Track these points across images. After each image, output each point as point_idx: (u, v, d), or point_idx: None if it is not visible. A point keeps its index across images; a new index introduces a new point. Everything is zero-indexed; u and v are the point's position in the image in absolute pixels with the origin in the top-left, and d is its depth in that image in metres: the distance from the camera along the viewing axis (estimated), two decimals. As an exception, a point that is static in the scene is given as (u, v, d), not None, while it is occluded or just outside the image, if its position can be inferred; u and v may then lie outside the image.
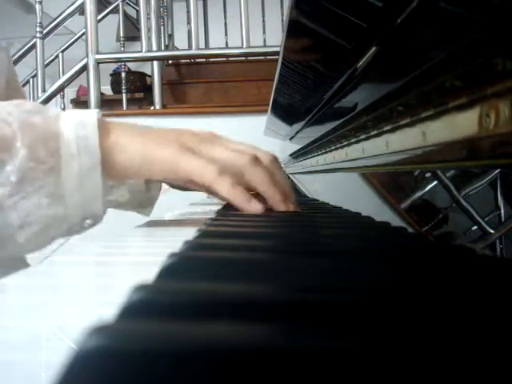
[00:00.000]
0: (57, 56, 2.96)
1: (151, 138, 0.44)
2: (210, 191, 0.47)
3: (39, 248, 0.43)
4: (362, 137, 0.43)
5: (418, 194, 0.53)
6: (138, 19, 2.82)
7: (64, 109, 2.89)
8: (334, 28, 0.34)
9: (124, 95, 2.33)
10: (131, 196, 0.53)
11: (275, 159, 0.50)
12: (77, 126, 0.40)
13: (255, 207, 0.44)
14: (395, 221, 0.48)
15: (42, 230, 0.40)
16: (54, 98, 2.33)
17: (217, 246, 0.28)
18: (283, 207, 0.47)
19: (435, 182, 0.48)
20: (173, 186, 0.58)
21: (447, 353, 0.11)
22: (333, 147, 0.58)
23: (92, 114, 0.42)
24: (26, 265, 0.68)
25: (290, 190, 0.50)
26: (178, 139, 0.44)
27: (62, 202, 0.40)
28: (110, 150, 0.42)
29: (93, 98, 1.90)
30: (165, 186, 0.61)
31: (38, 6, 2.22)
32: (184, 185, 0.51)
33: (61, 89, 2.27)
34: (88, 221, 0.43)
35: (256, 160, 0.46)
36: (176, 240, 0.36)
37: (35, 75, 2.47)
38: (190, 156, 0.43)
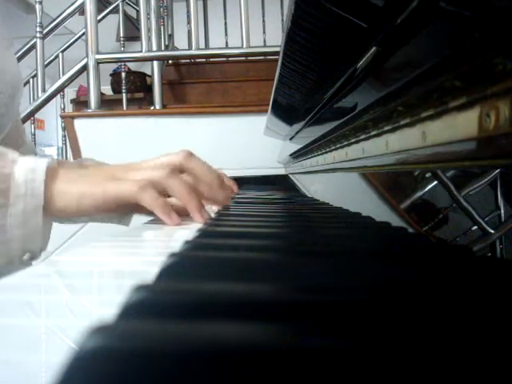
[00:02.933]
0: (57, 56, 2.96)
1: (86, 180, 0.51)
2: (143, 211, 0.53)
3: None
4: (362, 137, 0.43)
5: (418, 194, 0.52)
6: (138, 19, 2.81)
7: (64, 109, 2.89)
8: (334, 28, 0.34)
9: (124, 95, 2.32)
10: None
11: (190, 155, 0.55)
12: (27, 170, 0.47)
13: (174, 221, 0.49)
14: (395, 221, 0.48)
15: None
16: (54, 98, 2.33)
17: (217, 246, 0.28)
18: (198, 218, 0.51)
19: (435, 182, 0.48)
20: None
21: (447, 353, 0.11)
22: (333, 147, 0.58)
23: (43, 162, 0.48)
24: (28, 264, 0.69)
25: (213, 188, 0.56)
26: (108, 174, 0.51)
27: (5, 234, 0.46)
28: (52, 195, 0.48)
29: (93, 97, 1.89)
30: None
31: (38, 6, 2.21)
32: (123, 212, 0.58)
33: (61, 89, 2.27)
34: (26, 256, 0.49)
35: (173, 172, 0.51)
36: (176, 240, 0.36)
37: (35, 75, 2.47)
38: (115, 182, 0.50)
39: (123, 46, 2.47)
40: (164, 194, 0.51)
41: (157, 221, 0.54)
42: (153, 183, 0.50)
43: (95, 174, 0.52)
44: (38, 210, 0.47)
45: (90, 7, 1.93)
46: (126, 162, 0.54)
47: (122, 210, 0.55)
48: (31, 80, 3.02)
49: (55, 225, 0.62)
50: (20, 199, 0.46)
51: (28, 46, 2.65)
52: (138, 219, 0.65)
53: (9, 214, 0.46)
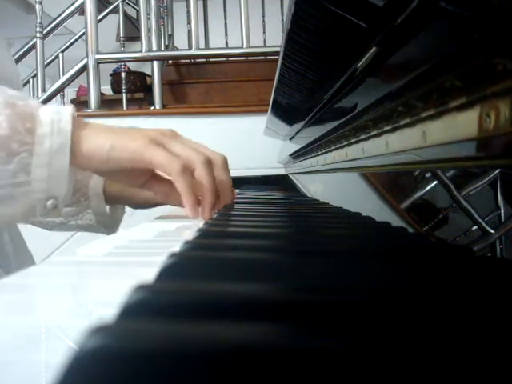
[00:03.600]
0: (57, 56, 2.96)
1: (121, 131, 0.49)
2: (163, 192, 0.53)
3: (3, 218, 0.47)
4: (362, 137, 0.43)
5: (418, 194, 0.52)
6: (138, 19, 2.81)
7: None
8: (334, 28, 0.34)
9: (124, 95, 2.32)
10: (97, 219, 0.63)
11: (225, 161, 0.55)
12: (53, 112, 0.46)
13: (196, 215, 0.49)
14: (395, 221, 0.48)
15: (6, 197, 0.44)
16: (54, 98, 2.33)
17: (217, 246, 0.28)
18: (207, 216, 0.51)
19: (435, 182, 0.48)
20: (135, 206, 0.64)
21: (447, 353, 0.11)
22: (333, 147, 0.58)
23: (68, 107, 0.47)
24: (31, 262, 0.69)
25: (225, 194, 0.56)
26: (143, 134, 0.49)
27: (29, 173, 0.44)
28: (81, 137, 0.46)
29: (93, 97, 1.89)
30: (128, 210, 0.67)
31: (38, 6, 2.21)
32: (143, 192, 0.58)
33: (61, 89, 2.27)
34: (50, 201, 0.46)
35: (209, 161, 0.51)
36: (176, 240, 0.36)
37: (35, 75, 2.47)
38: (156, 148, 0.47)
39: (123, 46, 2.47)
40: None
41: (152, 222, 0.54)
42: (188, 164, 0.49)
43: (131, 130, 0.50)
44: (65, 150, 0.45)
45: (89, 7, 1.93)
46: (159, 128, 0.52)
47: (140, 178, 0.53)
48: (31, 80, 3.02)
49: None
50: (46, 138, 0.44)
51: (28, 46, 2.65)
52: (138, 219, 0.66)
53: (34, 153, 0.44)
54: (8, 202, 0.44)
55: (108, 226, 0.65)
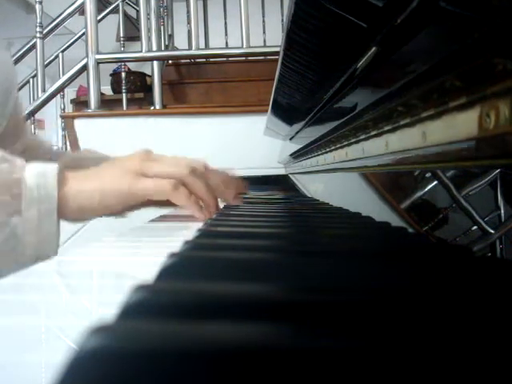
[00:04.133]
0: (57, 56, 2.96)
1: (103, 174, 0.50)
2: (164, 203, 0.54)
3: None
4: (362, 137, 0.43)
5: (418, 194, 0.52)
6: (138, 19, 2.81)
7: (64, 109, 2.89)
8: (334, 28, 0.34)
9: (124, 95, 2.32)
10: None
11: (206, 165, 0.58)
12: (38, 175, 0.46)
13: (203, 216, 0.51)
14: (395, 221, 0.48)
15: None
16: (54, 98, 2.33)
17: (217, 246, 0.28)
18: (212, 213, 0.53)
19: (435, 182, 0.48)
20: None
21: (447, 353, 0.11)
22: (333, 147, 0.58)
23: (53, 166, 0.47)
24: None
25: (220, 193, 0.60)
26: (124, 168, 0.50)
27: (19, 240, 0.45)
28: (69, 195, 0.47)
29: (93, 97, 1.89)
30: None
31: (38, 6, 2.21)
32: (142, 205, 0.58)
33: (61, 89, 2.27)
34: (38, 261, 0.48)
35: (193, 171, 0.53)
36: (176, 240, 0.36)
37: (35, 75, 2.46)
38: (140, 179, 0.49)
39: (123, 46, 2.47)
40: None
41: (152, 222, 0.54)
42: (178, 181, 0.50)
43: (110, 169, 0.51)
44: (52, 214, 0.45)
45: (90, 7, 1.93)
46: (133, 153, 0.54)
47: (140, 206, 0.55)
48: (31, 80, 3.02)
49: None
50: (33, 204, 0.45)
51: (28, 46, 2.64)
52: (137, 219, 0.66)
53: (22, 220, 0.44)
54: None
55: (131, 210, 0.64)
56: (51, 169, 0.47)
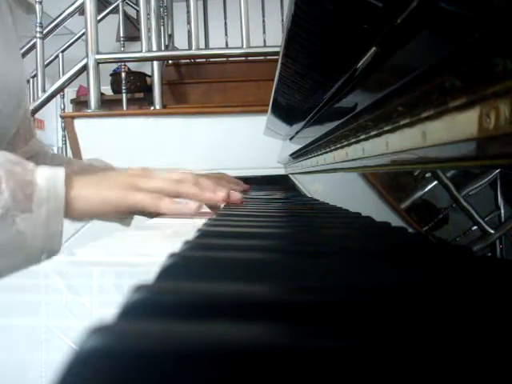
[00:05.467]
0: (57, 56, 2.96)
1: (103, 183, 0.57)
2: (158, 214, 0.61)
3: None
4: (362, 137, 0.43)
5: (418, 193, 0.52)
6: (138, 19, 2.81)
7: (64, 109, 2.89)
8: (334, 28, 0.34)
9: (124, 95, 2.32)
10: None
11: (194, 174, 0.64)
12: (48, 176, 0.52)
13: (192, 207, 0.57)
14: (395, 221, 0.48)
15: (6, 254, 0.49)
16: (54, 98, 2.33)
17: (217, 246, 0.28)
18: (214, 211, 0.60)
19: (435, 182, 0.48)
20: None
21: (447, 353, 0.11)
22: (333, 147, 0.58)
23: (61, 170, 0.53)
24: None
25: (216, 189, 0.63)
26: (120, 181, 0.58)
27: (27, 235, 0.50)
28: (73, 198, 0.54)
29: (93, 97, 1.89)
30: None
31: (38, 6, 2.21)
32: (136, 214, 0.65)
33: (61, 89, 2.27)
34: (44, 255, 0.52)
35: (181, 180, 0.59)
36: (176, 240, 0.36)
37: (35, 75, 2.46)
38: (134, 192, 0.56)
39: (123, 46, 2.47)
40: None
41: (152, 222, 0.54)
42: (167, 192, 0.57)
43: (113, 180, 0.58)
44: (60, 213, 0.52)
45: (89, 7, 1.93)
46: (137, 167, 0.61)
47: (131, 214, 0.63)
48: (31, 80, 3.02)
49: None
50: (43, 203, 0.50)
51: (28, 46, 2.65)
52: (136, 219, 0.66)
53: (33, 217, 0.50)
54: (6, 257, 0.50)
55: (124, 217, 0.69)
56: (60, 173, 0.53)
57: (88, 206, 0.55)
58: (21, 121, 0.70)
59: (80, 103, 2.84)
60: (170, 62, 2.50)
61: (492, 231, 0.38)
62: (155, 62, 2.06)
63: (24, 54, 2.62)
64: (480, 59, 0.20)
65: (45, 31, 2.33)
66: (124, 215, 0.68)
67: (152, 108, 1.98)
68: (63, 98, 2.86)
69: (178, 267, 0.20)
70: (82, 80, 2.18)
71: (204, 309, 0.14)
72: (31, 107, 2.20)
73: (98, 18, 2.04)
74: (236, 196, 0.64)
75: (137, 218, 0.70)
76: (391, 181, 0.60)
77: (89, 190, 0.55)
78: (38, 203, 0.50)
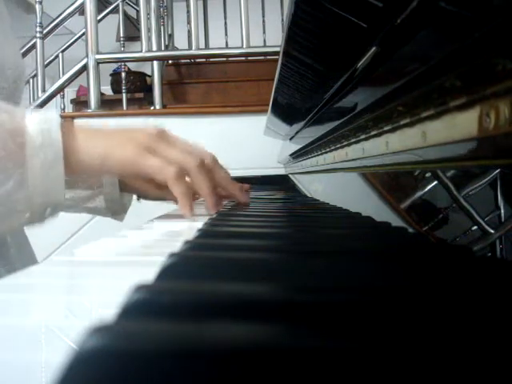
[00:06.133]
0: (57, 56, 2.96)
1: (111, 137, 0.49)
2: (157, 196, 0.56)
3: (2, 231, 0.49)
4: (362, 137, 0.43)
5: (418, 193, 0.52)
6: (138, 19, 2.81)
7: (64, 109, 2.89)
8: (334, 28, 0.34)
9: (124, 95, 2.32)
10: (107, 204, 0.63)
11: (215, 159, 0.58)
12: (40, 121, 0.45)
13: (190, 215, 0.51)
14: (395, 221, 0.48)
15: (7, 212, 0.44)
16: (54, 98, 2.33)
17: (217, 246, 0.28)
18: (214, 210, 0.54)
19: (435, 182, 0.48)
20: (141, 197, 0.68)
21: (447, 353, 0.11)
22: (333, 147, 0.58)
23: (53, 113, 0.46)
24: (34, 261, 0.70)
25: (228, 187, 0.60)
26: (135, 138, 0.49)
27: (26, 188, 0.44)
28: (72, 148, 0.46)
29: (93, 97, 1.89)
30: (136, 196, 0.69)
31: (38, 6, 2.21)
32: (144, 187, 0.60)
33: (61, 89, 2.27)
34: (49, 209, 0.47)
35: (202, 163, 0.52)
36: (176, 240, 0.36)
37: (35, 75, 2.47)
38: (147, 156, 0.48)
39: (123, 46, 2.47)
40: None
41: (152, 222, 0.54)
42: (182, 167, 0.50)
43: (120, 134, 0.50)
44: (59, 160, 0.45)
45: (89, 7, 1.93)
46: (146, 127, 0.53)
47: (135, 190, 0.56)
48: (31, 80, 3.02)
49: (55, 225, 0.62)
50: (38, 151, 0.44)
51: (28, 45, 2.65)
52: (137, 219, 0.66)
53: (29, 168, 0.44)
54: (8, 216, 0.45)
55: (117, 212, 0.65)
56: (54, 116, 0.46)
57: (89, 160, 0.47)
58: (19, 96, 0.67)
59: (80, 103, 2.84)
60: (170, 61, 2.50)
61: (492, 231, 0.38)
62: (155, 62, 2.06)
63: (24, 54, 2.62)
64: (480, 59, 0.20)
65: (45, 31, 2.33)
66: (128, 189, 0.63)
67: (152, 108, 1.98)
68: (63, 98, 2.86)
69: (178, 267, 0.20)
70: (82, 80, 2.19)
71: (204, 309, 0.14)
72: (31, 107, 2.20)
73: (98, 18, 2.04)
74: (246, 198, 0.62)
75: (137, 218, 0.70)
76: (391, 181, 0.60)
77: (91, 140, 0.47)
78: (32, 151, 0.44)
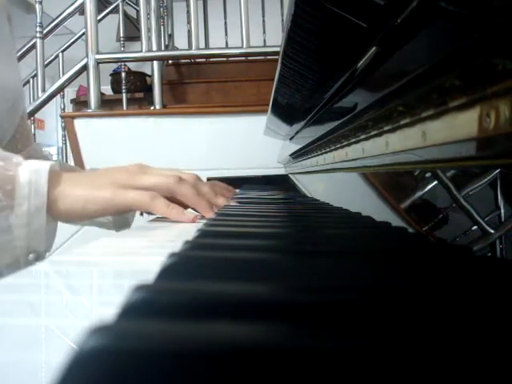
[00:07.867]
0: (57, 56, 2.96)
1: (92, 181, 0.53)
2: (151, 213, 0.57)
3: None
4: (362, 137, 0.43)
5: (418, 193, 0.52)
6: (138, 19, 2.81)
7: (64, 109, 2.89)
8: (334, 28, 0.34)
9: (124, 95, 2.32)
10: (113, 218, 0.67)
11: (197, 177, 0.61)
12: (31, 172, 0.49)
13: (189, 217, 0.54)
14: (395, 221, 0.48)
15: None
16: (54, 98, 2.33)
17: (217, 246, 0.28)
18: (210, 214, 0.56)
19: (435, 182, 0.48)
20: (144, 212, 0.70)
21: (447, 353, 0.11)
22: (333, 147, 0.58)
23: (47, 164, 0.50)
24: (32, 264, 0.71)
25: (215, 197, 0.63)
26: (113, 178, 0.54)
27: (10, 234, 0.48)
28: (57, 195, 0.50)
29: (93, 97, 1.89)
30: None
31: (38, 6, 2.21)
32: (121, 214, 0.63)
33: (61, 89, 2.27)
34: (32, 255, 0.50)
35: (180, 179, 0.55)
36: (176, 240, 0.36)
37: (35, 75, 2.47)
38: (124, 191, 0.52)
39: (123, 46, 2.47)
40: (169, 197, 0.55)
41: (152, 222, 0.54)
42: (161, 190, 0.53)
43: (100, 178, 0.54)
44: (42, 210, 0.48)
45: (89, 7, 1.93)
46: (127, 165, 0.57)
47: (122, 213, 0.59)
48: (31, 80, 3.02)
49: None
50: (24, 200, 0.48)
51: (28, 46, 2.64)
52: (136, 219, 0.66)
53: (14, 215, 0.47)
54: None
55: (121, 225, 0.68)
56: (45, 166, 0.49)
57: (72, 205, 0.51)
58: (18, 125, 0.69)
59: (80, 103, 2.84)
60: (170, 61, 2.50)
61: (492, 231, 0.38)
62: (155, 62, 2.06)
63: (24, 54, 2.63)
64: (480, 59, 0.20)
65: (45, 31, 2.33)
66: (120, 214, 0.67)
67: (152, 108, 1.98)
68: (63, 97, 2.86)
69: (178, 267, 0.20)
70: (82, 80, 2.18)
71: (204, 309, 0.14)
72: (31, 107, 2.20)
73: (98, 17, 2.04)
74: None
75: (137, 218, 0.70)
76: (391, 181, 0.60)
77: (74, 187, 0.52)
78: (19, 200, 0.48)
